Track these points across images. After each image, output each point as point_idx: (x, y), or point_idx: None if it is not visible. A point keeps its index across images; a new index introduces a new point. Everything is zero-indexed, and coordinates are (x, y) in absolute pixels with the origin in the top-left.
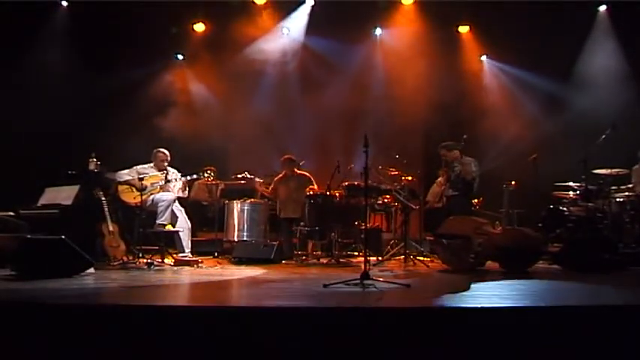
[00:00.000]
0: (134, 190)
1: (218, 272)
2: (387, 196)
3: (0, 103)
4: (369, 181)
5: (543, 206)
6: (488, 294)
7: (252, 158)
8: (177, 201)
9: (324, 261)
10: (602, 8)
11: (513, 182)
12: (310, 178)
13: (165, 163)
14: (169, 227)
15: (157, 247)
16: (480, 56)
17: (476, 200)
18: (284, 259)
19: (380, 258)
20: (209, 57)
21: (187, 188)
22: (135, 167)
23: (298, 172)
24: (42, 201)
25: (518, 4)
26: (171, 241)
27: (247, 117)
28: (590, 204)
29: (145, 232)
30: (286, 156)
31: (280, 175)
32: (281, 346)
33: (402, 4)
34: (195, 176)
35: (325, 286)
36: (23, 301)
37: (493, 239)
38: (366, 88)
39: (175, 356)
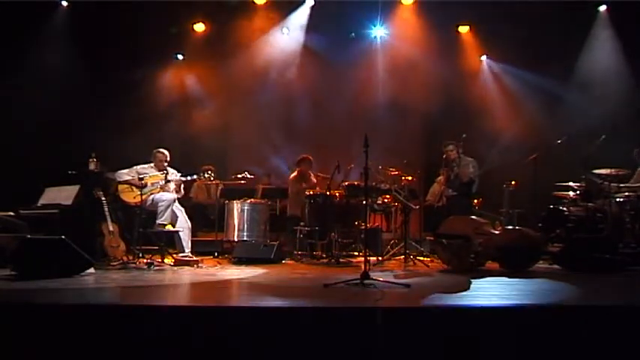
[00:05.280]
0: (134, 189)
1: (218, 272)
2: (387, 196)
3: (0, 103)
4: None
5: (543, 206)
6: (488, 294)
7: (252, 158)
8: (177, 201)
9: (324, 261)
10: (602, 8)
11: (513, 182)
12: (316, 185)
13: (165, 163)
14: (169, 227)
15: (157, 247)
16: (480, 56)
17: (476, 200)
18: (285, 258)
19: (380, 258)
20: (209, 57)
21: (181, 188)
22: (135, 167)
23: (312, 174)
24: (42, 201)
25: (518, 4)
26: (171, 241)
27: (247, 117)
28: (590, 204)
29: (145, 232)
30: (304, 155)
31: (295, 174)
32: (281, 346)
33: (402, 4)
34: (194, 176)
35: (325, 286)
36: (23, 301)
37: (493, 239)
38: (366, 88)
39: (175, 356)
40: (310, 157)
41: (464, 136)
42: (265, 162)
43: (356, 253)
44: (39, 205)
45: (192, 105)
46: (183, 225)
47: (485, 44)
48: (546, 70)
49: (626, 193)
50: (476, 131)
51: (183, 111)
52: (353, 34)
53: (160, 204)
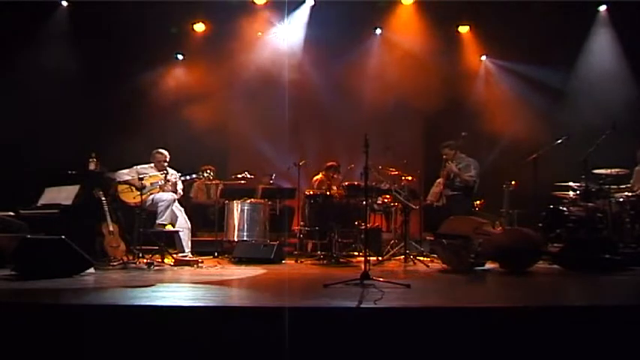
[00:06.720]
0: (134, 190)
1: (218, 272)
2: (387, 196)
3: (0, 103)
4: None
5: (543, 206)
6: (487, 294)
7: (252, 158)
8: (177, 201)
9: (324, 261)
10: (602, 8)
11: (513, 182)
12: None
13: (165, 164)
14: (169, 227)
15: (156, 247)
16: (480, 56)
17: (477, 202)
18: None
19: (380, 258)
20: (209, 57)
21: (177, 189)
22: (135, 167)
23: (335, 177)
24: (42, 201)
25: (518, 4)
26: (171, 241)
27: (247, 117)
28: (590, 204)
29: (145, 232)
30: (333, 162)
31: (320, 177)
32: (281, 346)
33: (402, 4)
34: (194, 176)
35: (325, 286)
36: (23, 301)
37: (493, 239)
38: (365, 88)
39: (175, 356)
40: (336, 164)
41: (463, 134)
42: (266, 162)
43: (356, 253)
44: (39, 205)
45: (192, 105)
46: (183, 225)
47: (486, 44)
48: (546, 70)
49: (626, 193)
50: (476, 131)
51: (183, 111)
52: (353, 34)
53: (159, 204)
